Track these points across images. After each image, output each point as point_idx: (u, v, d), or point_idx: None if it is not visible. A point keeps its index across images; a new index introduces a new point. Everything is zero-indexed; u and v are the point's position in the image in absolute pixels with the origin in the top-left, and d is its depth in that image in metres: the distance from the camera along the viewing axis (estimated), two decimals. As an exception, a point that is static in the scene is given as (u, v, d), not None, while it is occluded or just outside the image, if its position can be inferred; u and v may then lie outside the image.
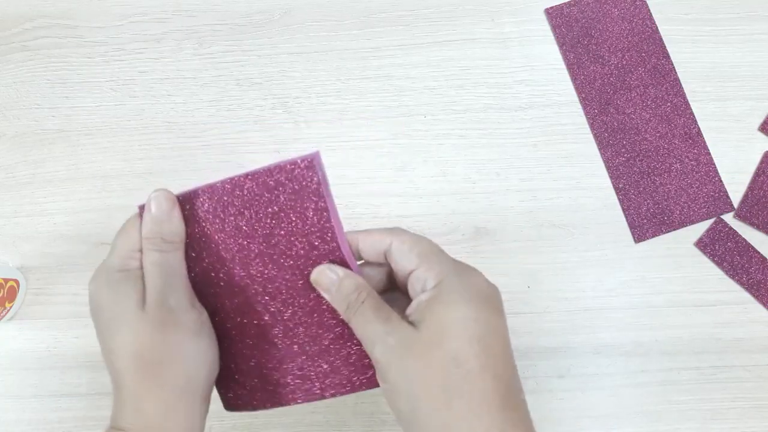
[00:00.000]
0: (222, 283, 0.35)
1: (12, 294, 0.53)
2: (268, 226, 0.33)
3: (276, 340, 0.35)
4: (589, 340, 0.53)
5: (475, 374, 0.29)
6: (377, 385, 0.33)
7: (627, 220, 0.55)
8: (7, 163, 0.57)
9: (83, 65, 0.59)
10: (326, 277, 0.32)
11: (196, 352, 0.33)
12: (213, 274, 0.35)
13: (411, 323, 0.30)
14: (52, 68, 0.59)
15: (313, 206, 0.33)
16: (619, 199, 0.55)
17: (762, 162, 0.55)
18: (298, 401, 0.36)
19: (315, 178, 0.33)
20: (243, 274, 0.34)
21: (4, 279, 0.51)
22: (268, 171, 0.33)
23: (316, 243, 0.33)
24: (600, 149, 0.56)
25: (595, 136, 0.56)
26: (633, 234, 0.55)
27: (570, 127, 0.57)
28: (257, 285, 0.34)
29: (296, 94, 0.58)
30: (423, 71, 0.58)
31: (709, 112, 0.57)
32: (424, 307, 0.30)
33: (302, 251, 0.33)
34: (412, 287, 0.32)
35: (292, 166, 0.33)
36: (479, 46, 0.59)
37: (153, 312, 0.32)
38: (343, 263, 0.33)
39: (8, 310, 0.53)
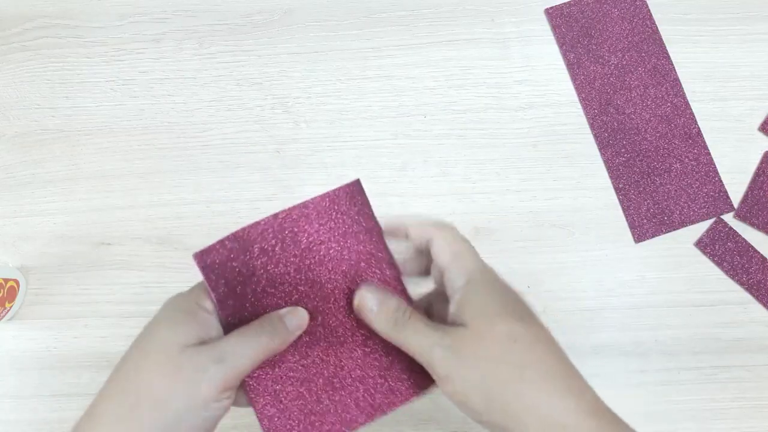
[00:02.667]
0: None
1: (12, 294, 0.53)
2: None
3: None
4: (589, 340, 0.53)
5: (533, 344, 0.31)
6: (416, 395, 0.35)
7: (627, 220, 0.55)
8: (7, 163, 0.57)
9: (83, 65, 0.59)
10: (368, 300, 0.34)
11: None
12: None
13: (458, 324, 0.32)
14: (52, 68, 0.59)
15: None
16: (619, 199, 0.55)
17: (762, 162, 0.55)
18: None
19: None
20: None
21: (4, 279, 0.51)
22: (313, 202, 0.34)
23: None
24: (600, 149, 0.56)
25: (595, 136, 0.56)
26: (633, 234, 0.55)
27: (570, 127, 0.57)
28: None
29: (296, 94, 0.58)
30: (423, 71, 0.58)
31: (709, 112, 0.57)
32: (464, 304, 0.32)
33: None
34: (448, 284, 0.34)
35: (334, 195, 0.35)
36: (479, 46, 0.59)
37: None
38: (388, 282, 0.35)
39: (8, 310, 0.53)
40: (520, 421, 0.30)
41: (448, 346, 0.31)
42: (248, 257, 0.33)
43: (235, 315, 0.33)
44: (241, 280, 0.33)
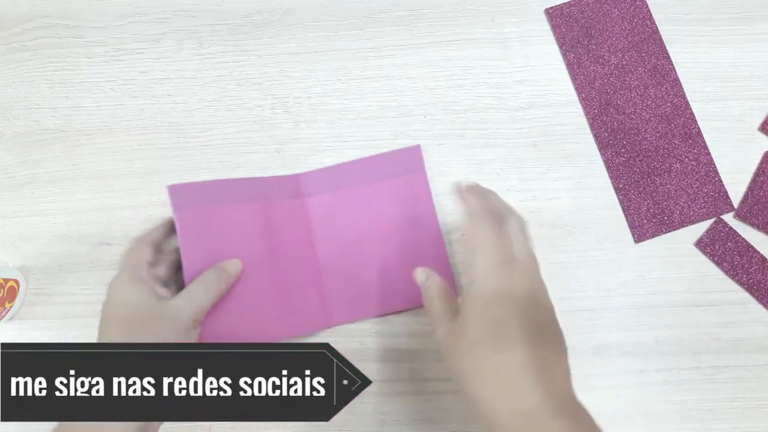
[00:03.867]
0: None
1: (12, 294, 0.53)
2: None
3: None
4: (589, 340, 0.53)
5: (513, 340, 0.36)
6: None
7: (627, 220, 0.55)
8: (7, 163, 0.57)
9: (83, 65, 0.59)
10: (419, 276, 0.44)
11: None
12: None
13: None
14: (52, 68, 0.59)
15: None
16: (619, 199, 0.55)
17: (762, 162, 0.55)
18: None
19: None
20: None
21: (4, 279, 0.51)
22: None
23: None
24: (600, 149, 0.56)
25: (595, 136, 0.57)
26: (633, 234, 0.55)
27: (570, 127, 0.57)
28: None
29: (296, 94, 0.58)
30: (423, 71, 0.58)
31: (709, 112, 0.57)
32: (463, 300, 0.39)
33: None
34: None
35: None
36: (479, 46, 0.59)
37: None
38: None
39: (8, 310, 0.53)
40: (488, 404, 0.35)
41: (446, 329, 0.39)
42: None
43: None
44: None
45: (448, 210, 0.55)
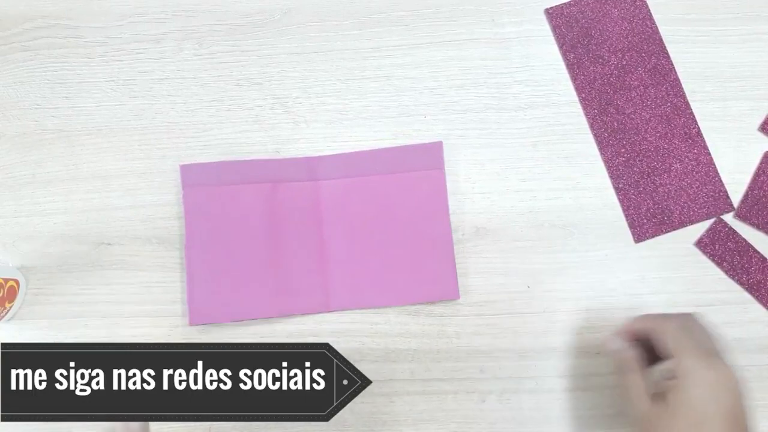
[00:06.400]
0: None
1: (12, 294, 0.53)
2: None
3: None
4: (589, 340, 0.53)
5: None
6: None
7: (627, 220, 0.55)
8: (7, 163, 0.57)
9: (83, 65, 0.59)
10: (612, 343, 0.46)
11: None
12: None
13: (657, 393, 0.41)
14: (52, 68, 0.59)
15: None
16: (619, 199, 0.55)
17: (762, 162, 0.55)
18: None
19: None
20: None
21: (4, 279, 0.51)
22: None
23: None
24: (600, 149, 0.56)
25: (595, 136, 0.57)
26: (633, 234, 0.55)
27: (570, 127, 0.57)
28: None
29: (296, 94, 0.58)
30: (423, 71, 0.58)
31: (709, 112, 0.57)
32: (673, 387, 0.40)
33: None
34: (667, 366, 0.41)
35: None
36: (479, 46, 0.59)
37: None
38: None
39: (8, 310, 0.53)
40: None
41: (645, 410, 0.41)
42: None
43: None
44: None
45: (451, 210, 0.55)
